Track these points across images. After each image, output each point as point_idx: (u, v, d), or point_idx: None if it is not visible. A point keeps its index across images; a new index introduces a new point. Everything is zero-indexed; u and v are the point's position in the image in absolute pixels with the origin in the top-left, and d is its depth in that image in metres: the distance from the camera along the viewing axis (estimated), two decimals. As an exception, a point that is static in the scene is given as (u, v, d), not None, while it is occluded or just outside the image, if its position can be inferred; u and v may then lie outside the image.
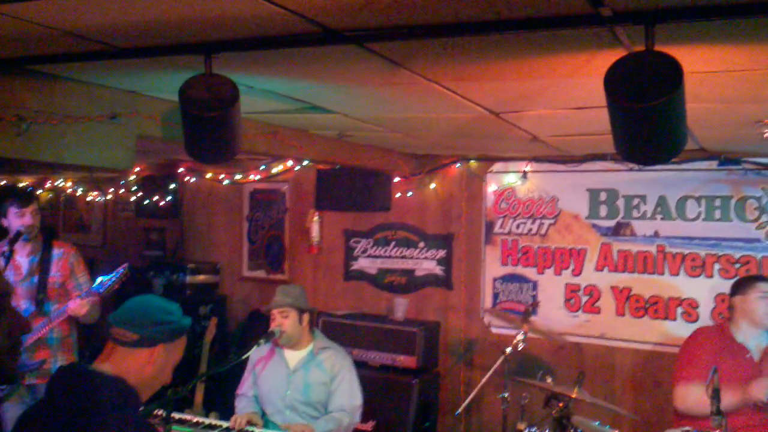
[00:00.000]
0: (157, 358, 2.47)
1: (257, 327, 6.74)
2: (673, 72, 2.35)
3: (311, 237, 7.28)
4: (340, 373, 4.65)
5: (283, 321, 4.59)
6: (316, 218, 7.24)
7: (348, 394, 4.63)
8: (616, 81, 2.43)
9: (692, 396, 4.62)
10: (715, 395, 3.99)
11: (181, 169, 7.93)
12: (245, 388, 4.82)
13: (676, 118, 2.45)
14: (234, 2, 2.36)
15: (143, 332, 2.45)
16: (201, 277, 7.78)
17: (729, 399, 4.09)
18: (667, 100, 2.38)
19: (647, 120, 2.48)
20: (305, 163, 6.67)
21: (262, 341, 4.43)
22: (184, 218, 8.30)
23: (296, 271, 7.51)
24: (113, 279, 4.71)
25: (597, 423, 4.54)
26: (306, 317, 4.69)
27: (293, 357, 4.70)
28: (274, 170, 7.45)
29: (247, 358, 4.67)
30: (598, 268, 6.06)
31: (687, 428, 4.45)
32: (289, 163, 7.01)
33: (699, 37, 2.55)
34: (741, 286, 4.86)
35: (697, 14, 2.27)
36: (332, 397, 4.60)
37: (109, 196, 8.93)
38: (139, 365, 2.44)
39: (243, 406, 4.74)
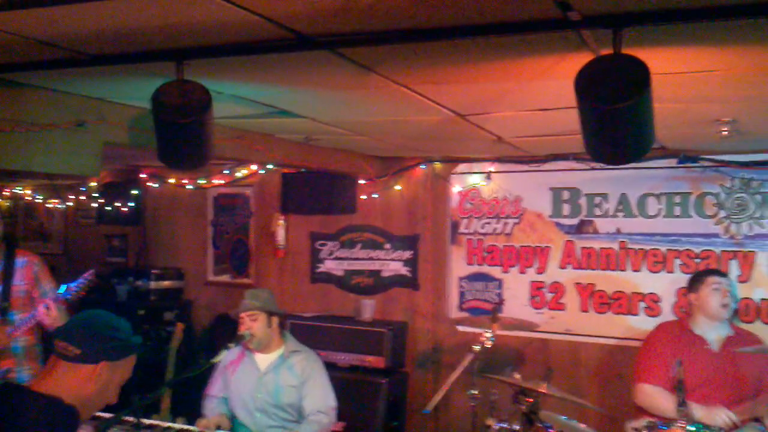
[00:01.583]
0: (100, 375, 2.37)
1: (224, 331, 6.71)
2: (641, 74, 2.42)
3: (277, 240, 7.28)
4: (312, 375, 4.65)
5: (252, 324, 4.58)
6: (281, 222, 7.24)
7: (322, 396, 4.64)
8: (586, 83, 2.49)
9: (653, 397, 4.75)
10: (680, 387, 4.10)
11: (143, 175, 7.87)
12: (214, 390, 4.80)
13: (645, 118, 2.52)
14: (206, 9, 2.37)
15: (86, 348, 2.35)
16: (165, 283, 7.72)
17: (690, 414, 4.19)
18: (636, 102, 2.45)
19: (617, 121, 2.54)
20: (270, 166, 6.66)
21: (231, 345, 4.42)
22: (147, 224, 8.23)
23: (262, 275, 7.50)
24: (80, 285, 4.66)
25: (564, 417, 4.62)
26: (275, 320, 4.69)
27: (263, 360, 4.70)
28: (239, 174, 7.43)
29: (216, 362, 4.65)
30: (562, 266, 6.17)
31: (650, 420, 4.55)
32: (254, 167, 7.01)
33: (663, 39, 2.62)
34: (695, 280, 5.01)
35: (662, 18, 2.34)
36: (307, 401, 4.60)
37: (70, 204, 8.81)
38: (81, 382, 2.34)
39: (212, 407, 4.73)
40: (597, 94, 2.49)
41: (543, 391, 4.40)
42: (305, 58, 2.94)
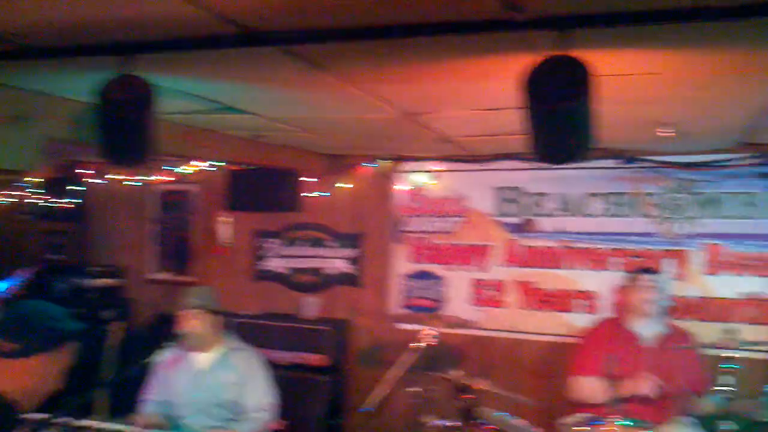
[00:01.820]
0: (38, 367, 2.35)
1: (165, 330, 6.61)
2: (582, 75, 2.47)
3: (221, 238, 7.22)
4: (253, 373, 4.63)
5: (193, 323, 4.53)
6: (224, 219, 7.18)
7: (263, 394, 4.61)
8: (530, 83, 2.53)
9: (585, 387, 4.85)
10: (613, 382, 4.21)
11: (83, 171, 7.70)
12: (151, 392, 4.73)
13: (586, 119, 2.58)
14: (153, 3, 2.34)
15: (22, 342, 2.32)
16: (105, 281, 7.58)
17: (618, 390, 4.29)
18: (577, 102, 2.51)
19: (559, 121, 2.60)
20: (215, 163, 6.60)
21: (170, 344, 4.37)
22: (88, 221, 8.07)
23: (205, 273, 7.42)
24: (18, 283, 4.57)
25: (504, 413, 4.67)
26: (216, 318, 4.64)
27: (204, 359, 4.65)
28: (184, 171, 7.33)
29: (154, 361, 4.59)
30: (505, 264, 6.25)
31: (583, 414, 4.65)
32: (199, 163, 6.92)
33: (610, 42, 2.68)
34: (627, 278, 5.13)
35: (607, 21, 2.39)
36: (248, 398, 4.57)
37: (5, 200, 8.58)
38: (20, 375, 2.31)
39: (149, 410, 4.66)
40: (540, 94, 2.54)
41: (482, 387, 4.46)
42: (253, 54, 2.93)
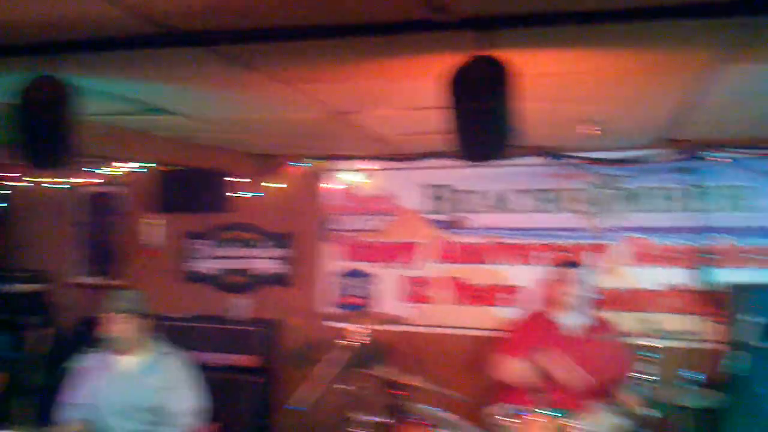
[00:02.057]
0: None
1: (92, 335, 6.50)
2: (505, 75, 2.53)
3: (150, 240, 7.11)
4: (179, 378, 4.56)
5: (120, 326, 4.45)
6: (155, 221, 7.08)
7: (189, 398, 4.55)
8: (455, 83, 2.58)
9: (510, 367, 4.94)
10: (538, 372, 4.30)
11: (6, 174, 7.49)
12: (73, 396, 4.63)
13: (509, 117, 2.64)
14: (74, 3, 2.31)
15: None
16: (29, 286, 7.39)
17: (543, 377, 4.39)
18: (500, 101, 2.56)
19: (480, 119, 2.65)
20: (144, 165, 6.50)
21: (96, 348, 4.29)
22: (12, 225, 7.85)
23: (134, 276, 7.30)
24: None
25: (434, 408, 4.72)
26: (144, 322, 4.57)
27: (130, 363, 4.56)
28: (112, 173, 7.19)
29: (76, 365, 4.49)
30: (435, 260, 6.32)
31: (509, 405, 4.73)
32: (128, 165, 6.80)
33: (531, 42, 2.74)
34: (553, 272, 5.26)
35: (528, 22, 2.45)
36: (173, 403, 4.50)
37: None
38: None
39: (72, 415, 4.56)
40: (463, 92, 2.59)
41: (412, 383, 4.50)
42: (178, 54, 2.91)
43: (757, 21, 2.48)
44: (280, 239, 6.83)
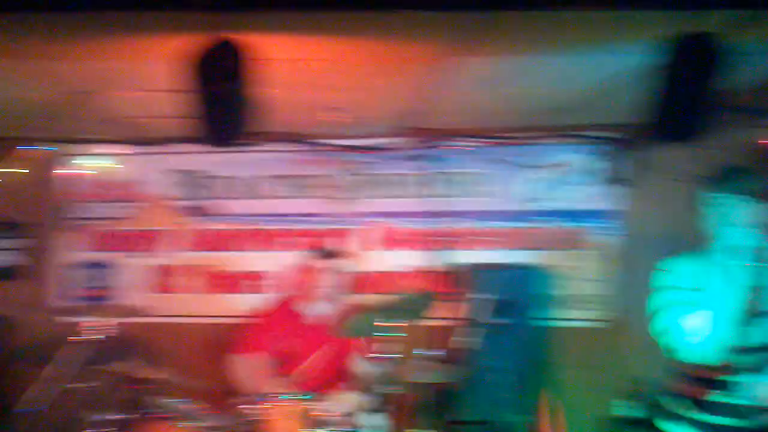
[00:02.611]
0: None
1: None
2: (243, 60, 2.49)
3: None
4: None
5: None
6: None
7: None
8: (196, 66, 2.50)
9: (246, 366, 4.94)
10: (280, 360, 4.33)
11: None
12: None
13: (249, 102, 2.59)
14: None
15: None
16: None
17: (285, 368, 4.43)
18: (239, 86, 2.51)
19: (222, 104, 2.59)
20: None
21: None
22: None
23: None
24: None
25: (174, 400, 4.58)
26: None
27: None
28: None
29: None
30: (182, 248, 6.15)
31: (251, 392, 4.73)
32: None
33: (276, 27, 2.71)
34: (300, 259, 5.31)
35: (272, 5, 2.42)
36: None
37: None
38: None
39: None
40: (202, 76, 2.52)
41: (152, 376, 4.36)
42: None
43: (488, 15, 2.63)
44: (11, 229, 6.30)
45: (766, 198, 3.13)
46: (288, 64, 3.31)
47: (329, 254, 5.44)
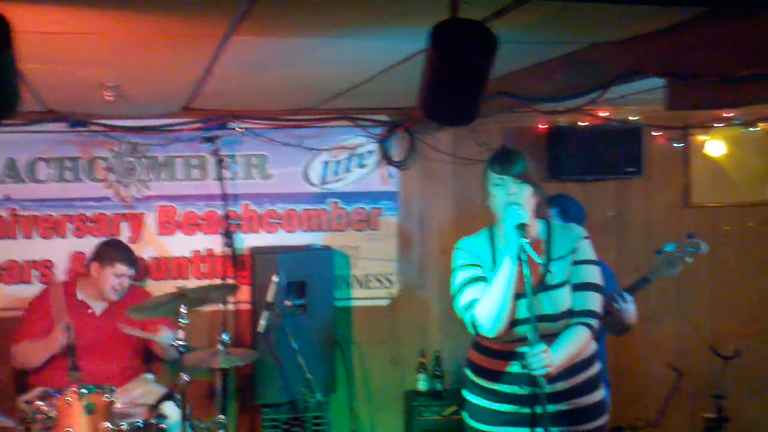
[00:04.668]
0: None
1: None
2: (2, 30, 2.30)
3: None
4: None
5: None
6: None
7: None
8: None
9: (26, 350, 4.89)
10: (71, 351, 4.17)
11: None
12: None
13: (5, 77, 2.40)
14: None
15: None
16: None
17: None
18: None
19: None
20: None
21: None
22: None
23: None
24: None
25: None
26: None
27: None
28: None
29: None
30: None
31: (42, 389, 4.52)
32: None
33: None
34: (99, 255, 5.13)
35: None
36: None
37: None
38: None
39: None
40: None
41: None
42: None
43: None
44: None
45: (534, 180, 3.39)
46: (46, 37, 3.07)
47: (115, 243, 5.29)
